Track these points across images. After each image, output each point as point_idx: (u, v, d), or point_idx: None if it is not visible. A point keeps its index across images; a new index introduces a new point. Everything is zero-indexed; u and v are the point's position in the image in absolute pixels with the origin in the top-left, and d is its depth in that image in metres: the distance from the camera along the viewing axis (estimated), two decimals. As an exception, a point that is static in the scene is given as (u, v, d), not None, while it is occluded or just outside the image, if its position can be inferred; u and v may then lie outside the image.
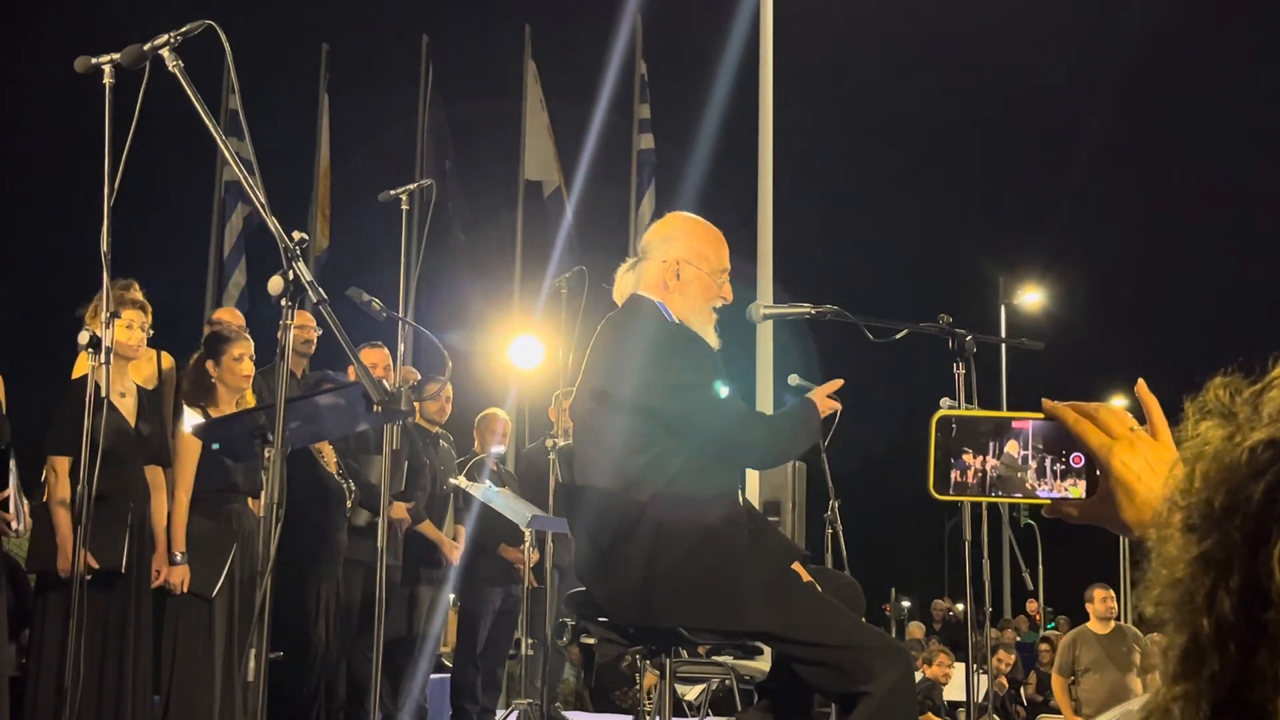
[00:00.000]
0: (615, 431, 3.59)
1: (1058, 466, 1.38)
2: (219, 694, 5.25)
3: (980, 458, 1.39)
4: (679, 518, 3.48)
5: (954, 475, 1.39)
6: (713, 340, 3.78)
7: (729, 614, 3.47)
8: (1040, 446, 1.38)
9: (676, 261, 3.74)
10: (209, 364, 5.53)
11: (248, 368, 5.56)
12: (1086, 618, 10.08)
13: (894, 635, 14.50)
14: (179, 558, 5.28)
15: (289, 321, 2.93)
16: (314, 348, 6.93)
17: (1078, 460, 1.37)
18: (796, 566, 3.57)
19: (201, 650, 5.29)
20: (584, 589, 3.72)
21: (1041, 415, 1.39)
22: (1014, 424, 1.39)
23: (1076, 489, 1.37)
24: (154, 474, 5.33)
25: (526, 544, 6.31)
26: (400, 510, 6.67)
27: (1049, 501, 1.38)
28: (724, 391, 3.63)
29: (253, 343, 5.64)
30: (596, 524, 3.60)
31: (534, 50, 17.22)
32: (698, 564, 3.44)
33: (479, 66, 20.27)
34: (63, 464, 5.04)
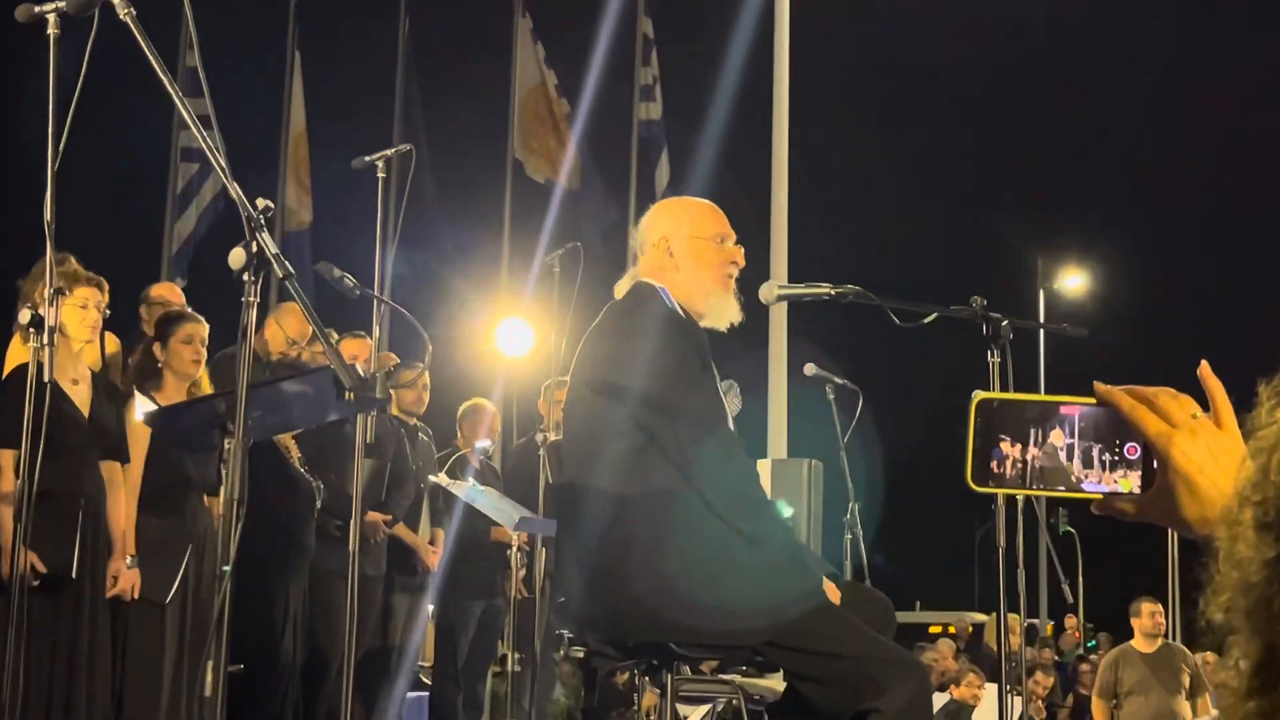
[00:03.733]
0: (606, 425, 3.60)
1: (1107, 457, 1.36)
2: (169, 710, 5.24)
3: (1019, 446, 1.37)
4: (664, 517, 3.48)
5: (993, 465, 1.38)
6: (733, 312, 3.84)
7: (718, 624, 3.47)
8: (1090, 435, 1.37)
9: (665, 238, 3.82)
10: (156, 346, 5.53)
11: (198, 352, 5.54)
12: (1130, 634, 10.08)
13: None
14: (128, 560, 5.26)
15: (252, 299, 2.91)
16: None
17: (1132, 451, 1.36)
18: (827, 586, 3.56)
19: (153, 662, 5.28)
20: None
21: (1093, 400, 1.37)
22: (1062, 409, 1.38)
23: (1128, 481, 1.36)
24: (111, 470, 5.30)
25: (514, 548, 6.30)
26: (374, 516, 6.63)
27: (1099, 496, 1.37)
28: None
29: (206, 325, 5.63)
30: (581, 526, 3.61)
31: (525, 3, 17.16)
32: (684, 568, 3.45)
33: (463, 22, 20.17)
34: (7, 457, 5.00)
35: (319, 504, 6.27)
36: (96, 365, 5.59)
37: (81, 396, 5.23)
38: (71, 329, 5.15)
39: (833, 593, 3.55)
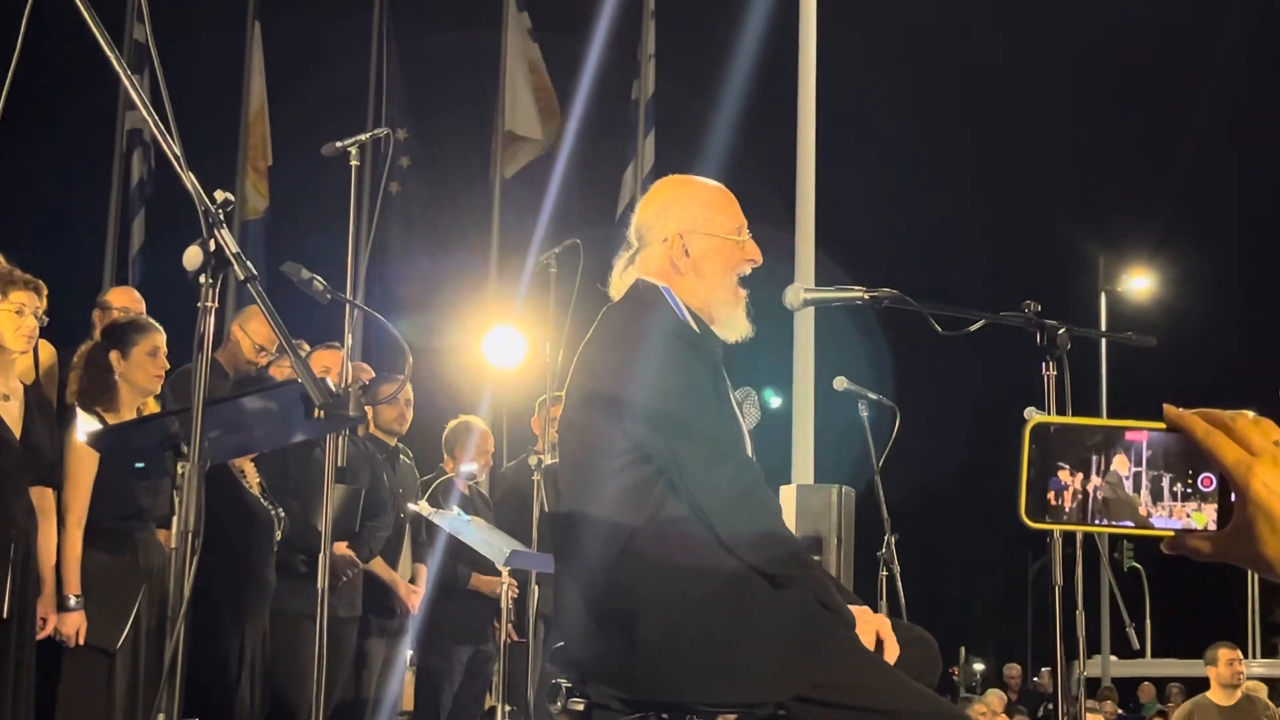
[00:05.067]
0: (608, 448, 3.58)
1: (1179, 488, 1.37)
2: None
3: (1079, 476, 1.38)
4: (675, 555, 3.47)
5: (1049, 497, 1.38)
6: (743, 325, 3.81)
7: (737, 675, 3.46)
8: (1159, 463, 1.37)
9: (680, 235, 3.76)
10: (114, 355, 5.51)
11: (163, 364, 5.56)
12: (1206, 684, 10.07)
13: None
14: (72, 602, 5.26)
15: (209, 304, 2.92)
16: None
17: (1207, 482, 1.37)
18: (862, 612, 3.56)
19: (99, 716, 5.28)
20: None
21: (1163, 425, 1.38)
22: (1127, 435, 1.38)
23: (1201, 515, 1.37)
24: (42, 497, 5.31)
25: (504, 586, 6.30)
26: (341, 549, 6.61)
27: (1170, 533, 1.37)
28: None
29: (164, 334, 5.65)
30: (582, 561, 3.60)
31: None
32: (699, 612, 3.44)
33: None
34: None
35: (279, 535, 6.27)
36: (27, 377, 5.58)
37: (12, 414, 5.23)
38: (7, 338, 5.16)
39: (869, 626, 3.55)
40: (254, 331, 6.51)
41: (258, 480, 6.28)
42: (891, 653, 3.56)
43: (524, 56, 17.11)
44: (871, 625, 3.58)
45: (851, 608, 3.60)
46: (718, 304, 3.77)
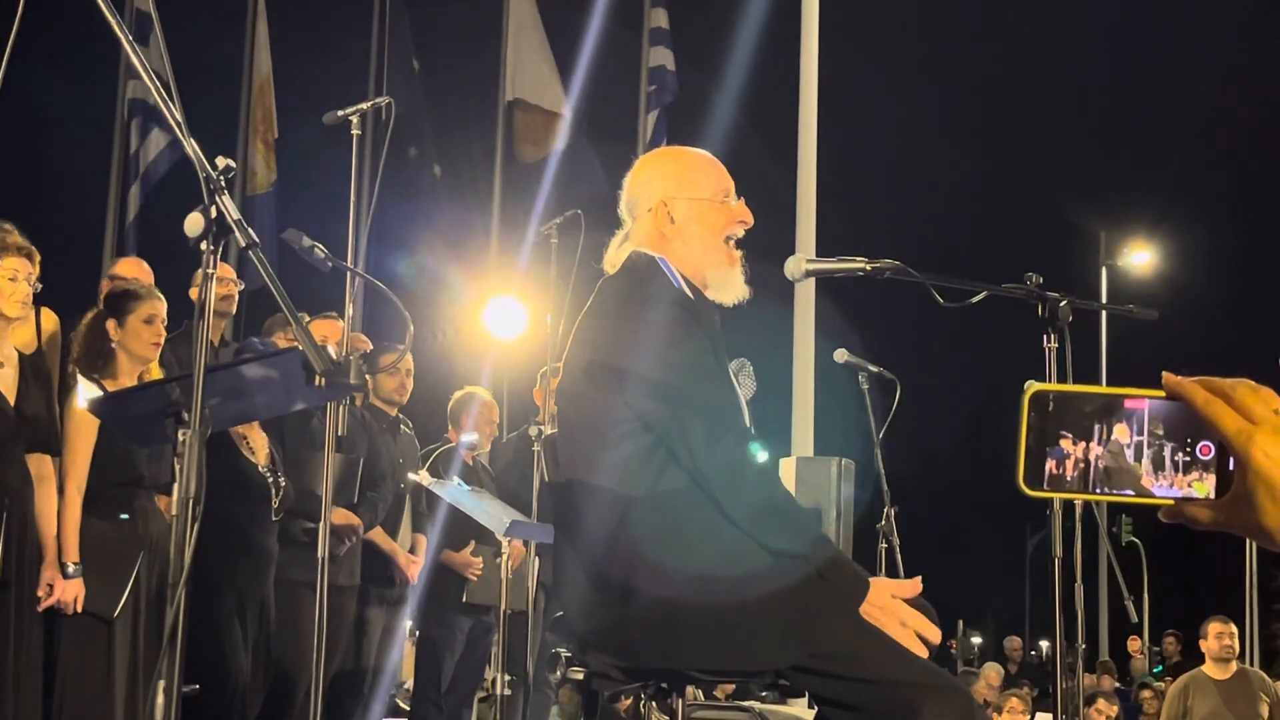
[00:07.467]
0: (609, 418, 3.58)
1: (1179, 457, 1.37)
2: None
3: (1082, 445, 1.38)
4: (676, 524, 3.48)
5: (1049, 466, 1.38)
6: (739, 288, 3.79)
7: (737, 644, 3.46)
8: (1159, 432, 1.37)
9: (663, 203, 3.76)
10: (110, 324, 5.52)
11: (160, 332, 5.56)
12: (1201, 658, 10.10)
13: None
14: (71, 569, 5.27)
15: (210, 270, 2.92)
16: (235, 306, 6.92)
17: (1206, 451, 1.36)
18: (880, 583, 3.55)
19: (99, 683, 5.29)
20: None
21: (1162, 394, 1.38)
22: (1126, 403, 1.38)
23: (1202, 485, 1.36)
24: (40, 464, 5.32)
25: (504, 557, 6.30)
26: (344, 515, 6.61)
27: (1170, 502, 1.37)
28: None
29: (165, 303, 5.65)
30: (582, 531, 3.61)
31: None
32: (700, 581, 3.43)
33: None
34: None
35: (275, 503, 6.27)
36: (29, 346, 5.58)
37: (7, 382, 5.23)
38: (1, 304, 5.16)
39: (897, 586, 3.53)
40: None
41: (267, 451, 6.27)
42: (933, 634, 3.54)
43: (534, 26, 17.03)
44: (883, 608, 3.54)
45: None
46: (709, 267, 3.75)
